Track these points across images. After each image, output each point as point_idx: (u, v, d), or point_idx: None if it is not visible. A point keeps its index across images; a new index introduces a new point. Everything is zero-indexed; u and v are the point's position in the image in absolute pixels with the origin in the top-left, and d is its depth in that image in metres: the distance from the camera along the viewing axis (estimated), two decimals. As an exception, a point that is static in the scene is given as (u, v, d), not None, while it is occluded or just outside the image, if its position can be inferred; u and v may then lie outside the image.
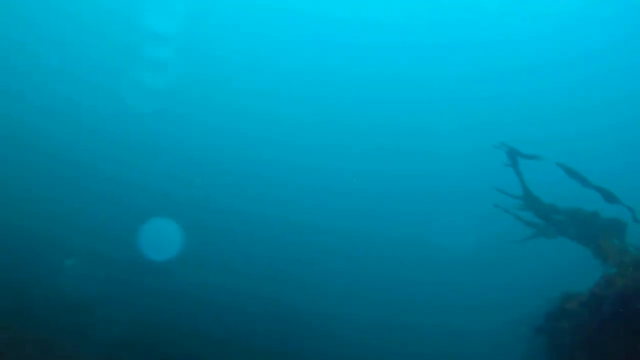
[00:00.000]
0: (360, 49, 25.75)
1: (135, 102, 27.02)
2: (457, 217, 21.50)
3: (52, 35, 27.24)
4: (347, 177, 27.52)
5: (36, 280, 13.16)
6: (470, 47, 23.91)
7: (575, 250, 7.27)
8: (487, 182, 7.82)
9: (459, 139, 26.36)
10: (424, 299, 17.12)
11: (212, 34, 26.21)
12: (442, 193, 25.97)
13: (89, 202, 21.92)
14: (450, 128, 26.75)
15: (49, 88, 28.17)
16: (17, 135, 24.92)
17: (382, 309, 16.60)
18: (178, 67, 26.87)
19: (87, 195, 22.63)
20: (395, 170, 27.95)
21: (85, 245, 16.33)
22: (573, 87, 24.75)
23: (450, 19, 22.04)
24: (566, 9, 19.78)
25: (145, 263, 16.11)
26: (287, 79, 28.21)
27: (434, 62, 25.15)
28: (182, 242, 17.06)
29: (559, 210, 6.63)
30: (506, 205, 7.15)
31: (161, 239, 17.71)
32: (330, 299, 16.55)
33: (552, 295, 6.53)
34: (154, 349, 11.15)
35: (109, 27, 26.46)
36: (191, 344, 12.14)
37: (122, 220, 18.67)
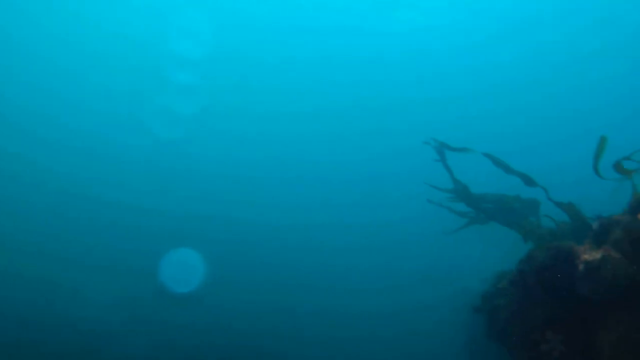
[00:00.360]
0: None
1: (161, 129, 25.99)
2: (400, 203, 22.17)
3: (74, 63, 25.69)
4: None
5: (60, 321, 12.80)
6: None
7: (506, 233, 7.80)
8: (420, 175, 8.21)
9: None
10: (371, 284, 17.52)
11: (239, 57, 25.52)
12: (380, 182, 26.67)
13: (113, 234, 21.40)
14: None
15: (70, 119, 26.66)
16: (38, 175, 23.69)
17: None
18: (205, 92, 26.07)
19: (111, 227, 22.00)
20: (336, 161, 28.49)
21: (111, 279, 16.01)
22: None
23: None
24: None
25: (171, 294, 15.59)
26: (316, 103, 27.77)
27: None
28: (208, 271, 16.78)
29: (486, 199, 7.11)
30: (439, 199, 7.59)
31: (187, 269, 17.36)
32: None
33: (487, 276, 6.98)
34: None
35: (134, 53, 25.21)
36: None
37: (148, 251, 18.36)
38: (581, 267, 4.41)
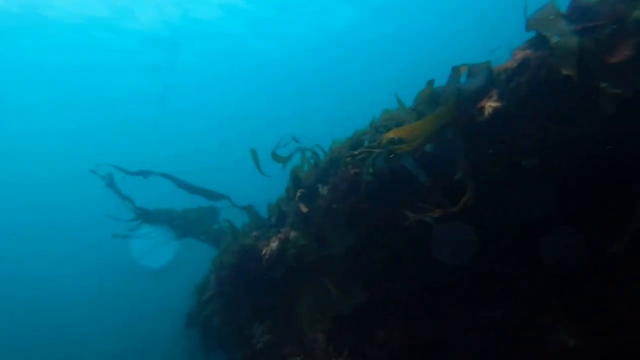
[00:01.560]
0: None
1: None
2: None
3: None
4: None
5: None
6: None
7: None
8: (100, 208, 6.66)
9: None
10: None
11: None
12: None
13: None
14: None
15: None
16: None
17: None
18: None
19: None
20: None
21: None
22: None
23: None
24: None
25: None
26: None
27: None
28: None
29: (173, 216, 6.28)
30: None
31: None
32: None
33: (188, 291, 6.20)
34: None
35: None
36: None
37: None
38: (265, 258, 4.16)
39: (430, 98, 3.34)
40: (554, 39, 2.52)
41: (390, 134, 3.35)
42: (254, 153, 4.16)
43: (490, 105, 2.75)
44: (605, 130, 2.56)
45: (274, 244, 4.00)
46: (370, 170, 3.35)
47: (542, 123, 2.65)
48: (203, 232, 5.76)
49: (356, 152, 3.56)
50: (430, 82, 3.39)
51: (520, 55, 2.70)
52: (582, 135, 2.62)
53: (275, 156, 4.04)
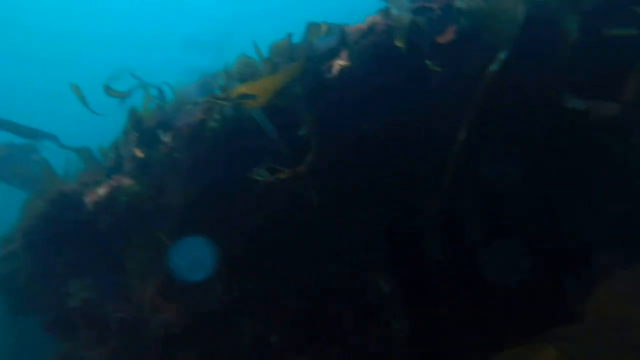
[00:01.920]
0: None
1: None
2: None
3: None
4: None
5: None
6: None
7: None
8: None
9: None
10: None
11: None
12: None
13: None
14: None
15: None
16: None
17: None
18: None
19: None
20: None
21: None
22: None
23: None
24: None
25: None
26: None
27: None
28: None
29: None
30: None
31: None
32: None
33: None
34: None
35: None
36: None
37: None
38: (90, 206, 3.61)
39: (286, 52, 3.26)
40: (394, 12, 2.66)
41: (242, 89, 3.17)
42: (76, 89, 3.48)
43: (338, 63, 2.80)
44: (428, 101, 2.84)
45: (101, 191, 3.48)
46: (217, 116, 3.13)
47: (381, 87, 2.81)
48: (15, 174, 4.69)
49: (201, 100, 3.29)
50: (289, 35, 3.30)
51: (370, 20, 2.79)
52: (410, 104, 2.87)
53: (108, 90, 3.46)
